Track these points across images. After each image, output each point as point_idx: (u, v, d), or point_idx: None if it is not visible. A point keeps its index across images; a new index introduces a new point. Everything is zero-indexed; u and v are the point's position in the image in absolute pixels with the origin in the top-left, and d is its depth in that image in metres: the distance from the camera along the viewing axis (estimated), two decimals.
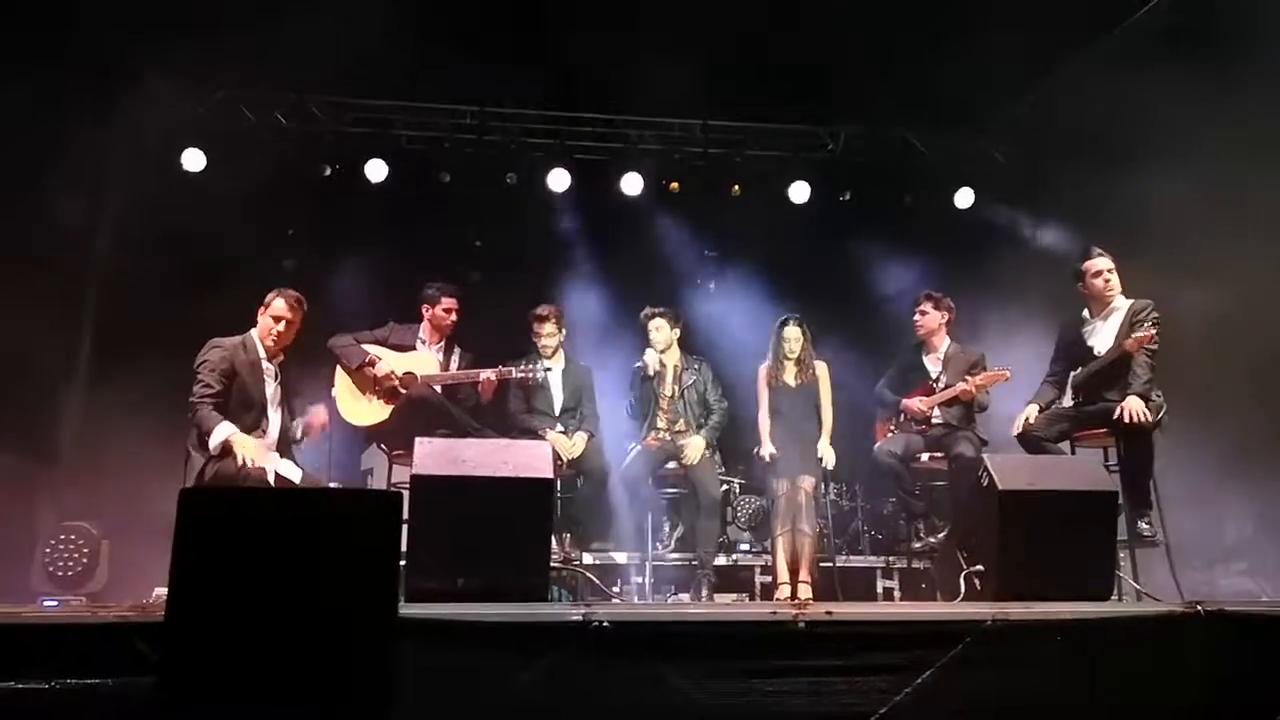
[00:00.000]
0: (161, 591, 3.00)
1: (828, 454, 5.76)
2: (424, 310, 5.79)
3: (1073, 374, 5.24)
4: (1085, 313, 5.28)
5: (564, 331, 6.05)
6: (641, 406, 6.04)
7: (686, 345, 6.31)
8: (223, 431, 4.37)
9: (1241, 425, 5.56)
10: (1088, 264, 5.19)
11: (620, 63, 6.56)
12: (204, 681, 2.69)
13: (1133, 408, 4.73)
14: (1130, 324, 5.02)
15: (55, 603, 5.60)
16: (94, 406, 6.73)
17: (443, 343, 5.81)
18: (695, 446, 5.81)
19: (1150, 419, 4.74)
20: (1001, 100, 7.53)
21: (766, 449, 5.83)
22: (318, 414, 5.04)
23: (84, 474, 6.37)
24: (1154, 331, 4.87)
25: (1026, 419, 5.17)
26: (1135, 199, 6.20)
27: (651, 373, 5.98)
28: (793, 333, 6.00)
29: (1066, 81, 7.09)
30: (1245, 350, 5.59)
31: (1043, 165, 7.65)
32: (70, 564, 5.98)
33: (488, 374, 5.55)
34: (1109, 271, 5.15)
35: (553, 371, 5.97)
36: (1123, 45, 6.56)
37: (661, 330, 6.07)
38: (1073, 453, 5.19)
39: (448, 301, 5.77)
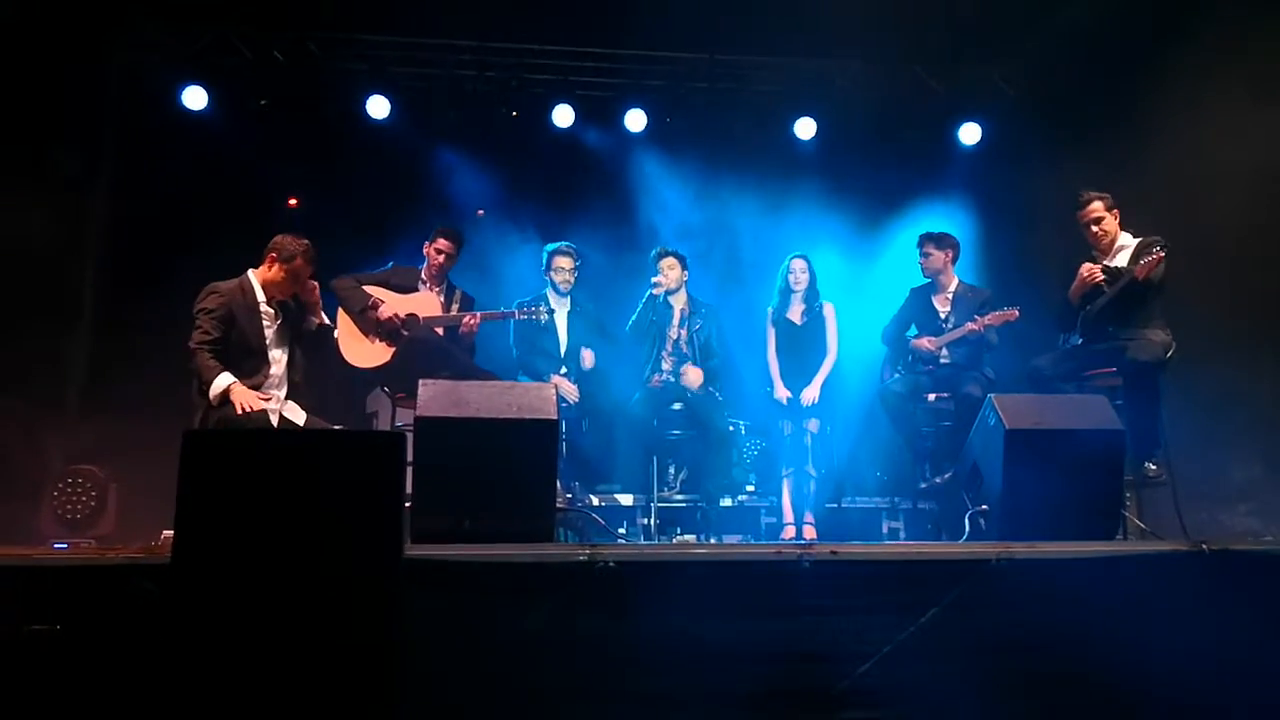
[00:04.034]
0: (169, 534, 3.01)
1: (809, 392, 5.77)
2: (425, 247, 5.76)
3: (1082, 312, 5.19)
4: (1094, 251, 5.22)
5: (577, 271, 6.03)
6: (645, 339, 5.99)
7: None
8: (222, 382, 4.34)
9: (1249, 365, 5.53)
10: (1081, 212, 5.13)
11: None
12: (210, 622, 2.71)
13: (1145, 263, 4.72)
14: (1139, 257, 4.95)
15: (64, 545, 5.65)
16: (100, 349, 6.74)
17: (444, 284, 5.77)
18: (695, 374, 5.79)
19: (1159, 272, 4.72)
20: (1012, 31, 7.34)
21: (780, 391, 5.83)
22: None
23: (91, 417, 6.38)
24: (1162, 254, 4.78)
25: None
26: (1147, 133, 6.09)
27: (662, 296, 5.93)
28: (798, 264, 6.03)
29: (1078, 12, 6.91)
30: (1254, 290, 5.53)
31: (1054, 98, 7.49)
32: (79, 507, 6.02)
33: (469, 317, 5.52)
34: (1099, 219, 5.08)
35: (558, 313, 5.94)
36: None
37: (673, 269, 6.02)
38: (1080, 392, 5.16)
39: (441, 243, 5.72)
